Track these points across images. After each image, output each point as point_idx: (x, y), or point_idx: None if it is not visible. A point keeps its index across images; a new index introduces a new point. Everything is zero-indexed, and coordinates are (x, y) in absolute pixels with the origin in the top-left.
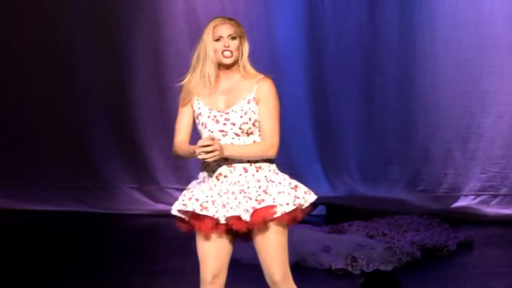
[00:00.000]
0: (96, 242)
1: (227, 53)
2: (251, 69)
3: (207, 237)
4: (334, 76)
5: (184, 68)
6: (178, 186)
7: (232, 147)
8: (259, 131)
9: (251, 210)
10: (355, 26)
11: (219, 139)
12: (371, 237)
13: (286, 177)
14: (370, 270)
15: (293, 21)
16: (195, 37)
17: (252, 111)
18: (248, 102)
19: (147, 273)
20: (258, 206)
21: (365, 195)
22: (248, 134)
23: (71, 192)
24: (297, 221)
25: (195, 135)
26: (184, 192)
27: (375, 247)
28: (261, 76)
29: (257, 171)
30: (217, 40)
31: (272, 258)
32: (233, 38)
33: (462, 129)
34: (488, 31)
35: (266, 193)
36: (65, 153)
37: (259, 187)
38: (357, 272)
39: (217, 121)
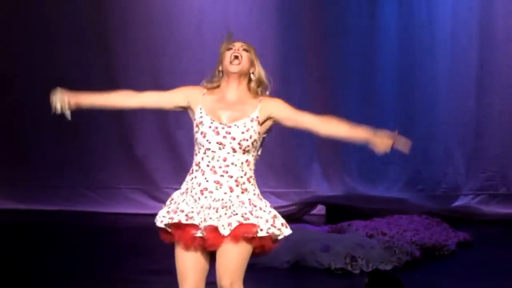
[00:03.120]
0: (96, 242)
1: (235, 61)
2: (257, 90)
3: (186, 249)
4: (334, 76)
5: (182, 68)
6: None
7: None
8: (305, 124)
9: (236, 224)
10: (355, 27)
11: (214, 151)
12: (371, 236)
13: (268, 204)
14: (370, 269)
15: (293, 21)
16: (194, 37)
17: (254, 130)
18: (252, 121)
19: (147, 273)
20: (244, 222)
21: (365, 195)
22: (244, 151)
23: (71, 193)
24: (265, 250)
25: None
26: (167, 203)
27: (374, 247)
28: (263, 96)
29: (242, 192)
30: (229, 49)
31: (226, 263)
32: (246, 50)
33: (461, 129)
34: (488, 31)
35: (252, 214)
36: (66, 153)
37: (245, 208)
38: (357, 271)
39: (218, 133)
